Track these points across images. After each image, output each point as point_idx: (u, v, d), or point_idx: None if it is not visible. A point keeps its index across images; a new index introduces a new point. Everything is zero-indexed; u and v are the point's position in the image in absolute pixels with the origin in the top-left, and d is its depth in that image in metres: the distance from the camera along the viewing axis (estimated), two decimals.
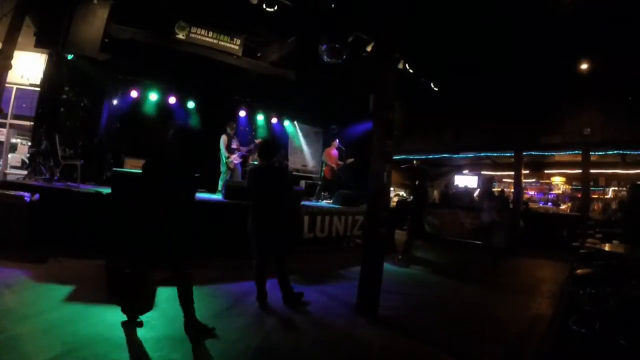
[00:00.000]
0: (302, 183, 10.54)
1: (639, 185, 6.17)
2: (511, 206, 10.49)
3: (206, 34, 7.76)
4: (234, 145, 8.15)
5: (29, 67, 7.91)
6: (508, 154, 11.44)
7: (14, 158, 8.79)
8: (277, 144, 3.91)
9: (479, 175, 14.85)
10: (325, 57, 7.62)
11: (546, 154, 11.43)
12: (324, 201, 8.78)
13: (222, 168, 8.09)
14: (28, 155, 7.64)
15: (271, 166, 4.14)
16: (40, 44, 6.67)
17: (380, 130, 4.19)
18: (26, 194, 4.86)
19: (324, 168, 9.34)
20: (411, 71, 9.02)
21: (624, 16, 6.70)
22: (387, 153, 4.16)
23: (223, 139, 7.98)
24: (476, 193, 11.04)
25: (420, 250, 8.70)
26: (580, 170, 9.98)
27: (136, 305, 3.02)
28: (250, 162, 8.92)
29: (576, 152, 9.93)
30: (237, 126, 8.83)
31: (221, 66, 8.27)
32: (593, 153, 9.73)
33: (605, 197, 12.09)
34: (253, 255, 3.97)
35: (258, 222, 3.91)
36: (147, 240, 2.90)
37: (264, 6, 6.70)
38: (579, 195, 11.04)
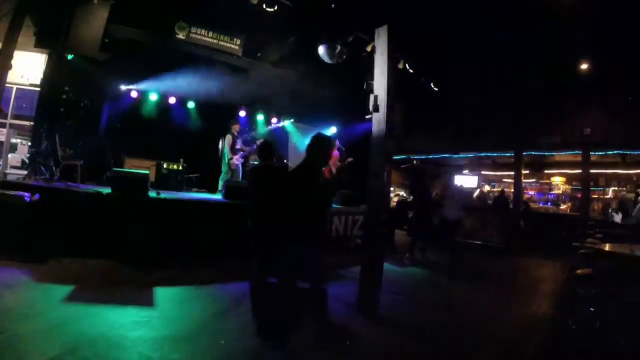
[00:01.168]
0: None
1: None
2: (511, 206, 10.50)
3: (206, 34, 7.76)
4: (237, 146, 8.15)
5: (29, 67, 7.91)
6: (508, 154, 11.44)
7: (14, 158, 8.78)
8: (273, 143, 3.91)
9: (479, 175, 14.87)
10: (325, 57, 7.62)
11: (546, 154, 11.43)
12: None
13: (224, 168, 8.09)
14: (28, 155, 7.63)
15: (271, 166, 4.14)
16: (40, 44, 6.68)
17: (380, 130, 4.19)
18: (26, 194, 4.85)
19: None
20: (411, 71, 9.02)
21: (624, 16, 6.70)
22: (387, 153, 4.16)
23: (227, 138, 7.98)
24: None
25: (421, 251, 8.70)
26: (580, 170, 9.99)
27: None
28: (251, 162, 8.93)
29: (576, 152, 9.93)
30: (240, 126, 8.83)
31: (221, 66, 8.28)
32: (593, 153, 9.73)
33: (605, 197, 12.08)
34: (253, 255, 3.95)
35: (257, 222, 3.89)
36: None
37: (264, 6, 6.70)
38: (579, 195, 11.04)
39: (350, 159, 9.10)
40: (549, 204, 13.12)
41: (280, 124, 11.76)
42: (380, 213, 4.14)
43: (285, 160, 10.84)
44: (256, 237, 3.91)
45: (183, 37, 7.54)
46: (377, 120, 4.28)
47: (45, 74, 7.60)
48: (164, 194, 6.20)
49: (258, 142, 8.82)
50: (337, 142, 9.31)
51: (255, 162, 8.91)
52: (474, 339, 3.58)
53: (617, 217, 9.03)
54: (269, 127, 11.46)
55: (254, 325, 3.22)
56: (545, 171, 13.63)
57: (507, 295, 5.33)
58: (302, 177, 3.15)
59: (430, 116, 12.33)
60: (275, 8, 6.73)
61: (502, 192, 12.18)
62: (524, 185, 11.64)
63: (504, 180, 14.52)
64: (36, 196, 4.95)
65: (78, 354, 2.48)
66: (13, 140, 9.12)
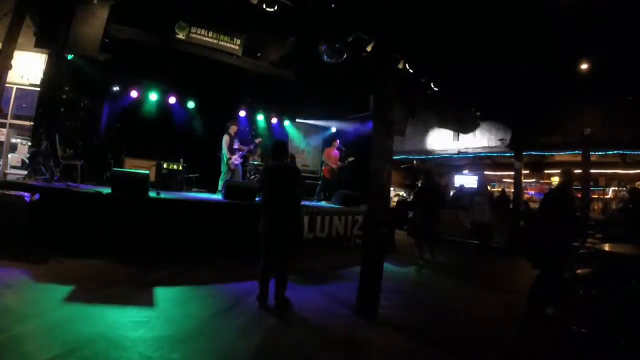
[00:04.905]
0: None
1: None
2: (511, 206, 10.50)
3: (206, 34, 7.76)
4: (235, 146, 8.16)
5: (29, 67, 7.90)
6: (508, 154, 11.44)
7: (14, 158, 8.77)
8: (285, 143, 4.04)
9: (479, 175, 14.87)
10: (325, 57, 7.62)
11: (546, 154, 11.43)
12: (324, 201, 8.78)
13: (223, 168, 8.10)
14: (28, 155, 7.62)
15: (285, 165, 4.14)
16: (40, 44, 6.66)
17: (380, 130, 4.19)
18: (26, 194, 4.86)
19: (323, 168, 9.34)
20: (411, 71, 9.02)
21: (624, 16, 6.70)
22: (387, 153, 4.16)
23: (225, 139, 8.00)
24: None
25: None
26: (580, 170, 9.98)
27: None
28: (251, 162, 8.93)
29: (576, 152, 9.94)
30: (238, 127, 8.84)
31: (221, 66, 8.27)
32: (593, 153, 9.73)
33: (605, 197, 12.09)
34: (261, 253, 3.93)
35: (272, 220, 3.87)
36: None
37: (264, 6, 6.69)
38: (579, 195, 11.04)
39: (350, 159, 9.10)
40: None
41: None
42: (380, 213, 4.14)
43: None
44: (267, 237, 3.88)
45: (183, 37, 7.54)
46: (378, 120, 4.28)
47: (45, 74, 7.59)
48: (164, 194, 6.20)
49: (256, 141, 8.85)
50: (338, 142, 9.32)
51: (256, 162, 8.92)
52: (474, 340, 3.59)
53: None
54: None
55: None
56: (545, 171, 13.63)
57: (508, 294, 5.33)
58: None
59: (430, 116, 12.35)
60: (275, 8, 6.72)
61: (502, 192, 12.18)
62: (524, 185, 11.64)
63: (504, 180, 14.53)
64: (36, 196, 4.95)
65: (78, 354, 2.48)
66: (13, 140, 9.10)
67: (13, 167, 8.52)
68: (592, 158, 9.86)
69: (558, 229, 4.23)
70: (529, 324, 4.18)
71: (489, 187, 10.76)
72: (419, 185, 7.64)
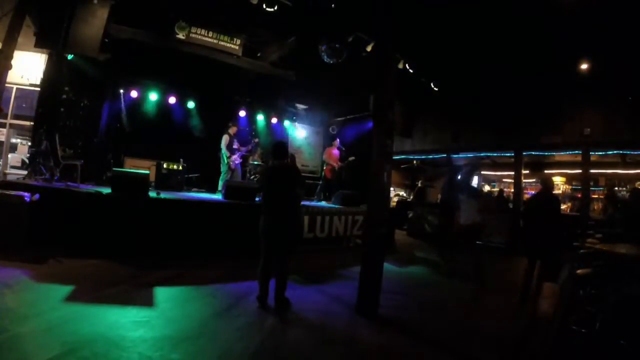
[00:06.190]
0: None
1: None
2: (511, 206, 10.49)
3: (206, 34, 7.77)
4: (235, 146, 8.18)
5: (29, 67, 7.91)
6: (508, 154, 11.44)
7: (14, 158, 8.78)
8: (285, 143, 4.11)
9: (479, 175, 14.85)
10: (325, 57, 7.62)
11: (546, 154, 11.41)
12: (324, 201, 8.79)
13: (223, 168, 8.11)
14: (28, 155, 7.63)
15: (285, 165, 4.14)
16: (40, 44, 6.67)
17: (380, 130, 4.19)
18: (26, 194, 4.86)
19: (324, 168, 9.34)
20: (411, 71, 9.02)
21: (624, 16, 6.70)
22: (387, 153, 4.16)
23: (224, 139, 8.01)
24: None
25: (420, 250, 8.71)
26: (580, 170, 9.97)
27: None
28: (250, 162, 8.93)
29: (576, 152, 9.93)
30: (238, 127, 8.85)
31: (221, 66, 8.28)
32: (593, 153, 9.72)
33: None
34: (261, 253, 3.93)
35: (271, 220, 3.88)
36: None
37: (264, 6, 6.70)
38: (579, 195, 11.03)
39: (351, 159, 9.11)
40: None
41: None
42: (380, 213, 4.14)
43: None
44: (267, 236, 3.88)
45: (183, 37, 7.54)
46: (378, 120, 4.28)
47: (45, 74, 7.59)
48: (164, 194, 6.20)
49: (255, 141, 8.86)
50: (338, 142, 9.32)
51: (256, 162, 8.93)
52: (474, 338, 3.59)
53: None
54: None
55: None
56: (545, 171, 13.60)
57: (507, 294, 5.32)
58: None
59: (430, 116, 12.35)
60: (275, 8, 6.72)
61: (502, 192, 12.18)
62: (524, 185, 11.63)
63: (504, 180, 14.51)
64: (36, 196, 4.95)
65: (78, 354, 2.47)
66: (13, 140, 9.11)
67: (13, 167, 8.53)
68: (592, 158, 9.84)
69: (544, 226, 4.86)
70: (529, 324, 4.17)
71: (474, 181, 10.46)
72: (419, 185, 7.65)
